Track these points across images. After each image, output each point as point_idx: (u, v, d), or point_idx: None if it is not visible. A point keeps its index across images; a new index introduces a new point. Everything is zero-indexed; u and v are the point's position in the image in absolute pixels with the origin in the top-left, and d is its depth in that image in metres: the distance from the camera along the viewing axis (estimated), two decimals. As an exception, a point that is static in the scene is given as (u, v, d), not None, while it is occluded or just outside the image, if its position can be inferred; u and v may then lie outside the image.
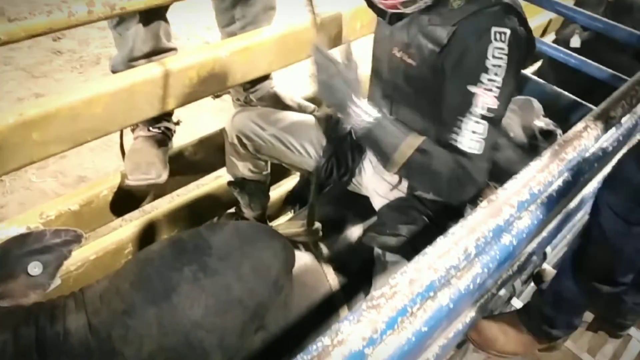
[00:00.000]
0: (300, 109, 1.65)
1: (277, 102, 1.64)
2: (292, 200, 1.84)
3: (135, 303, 0.86)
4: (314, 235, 1.26)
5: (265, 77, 1.63)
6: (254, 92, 1.64)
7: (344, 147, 1.41)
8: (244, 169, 1.52)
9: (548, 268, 1.54)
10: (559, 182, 0.90)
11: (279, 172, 1.81)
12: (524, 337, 1.29)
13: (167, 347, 0.83)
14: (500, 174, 1.01)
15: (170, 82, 1.25)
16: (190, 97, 1.34)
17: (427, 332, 0.70)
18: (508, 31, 0.97)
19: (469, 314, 1.14)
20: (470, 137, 0.99)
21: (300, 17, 1.40)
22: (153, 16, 1.35)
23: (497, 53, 0.96)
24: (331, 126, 1.42)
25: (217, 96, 1.72)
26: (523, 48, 1.01)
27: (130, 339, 0.84)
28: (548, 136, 1.60)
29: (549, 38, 2.39)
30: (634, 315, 1.45)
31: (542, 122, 1.72)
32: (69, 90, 1.14)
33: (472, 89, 0.98)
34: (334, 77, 1.02)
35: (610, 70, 1.77)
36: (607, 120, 0.88)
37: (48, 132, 1.09)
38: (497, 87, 0.98)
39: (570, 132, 0.85)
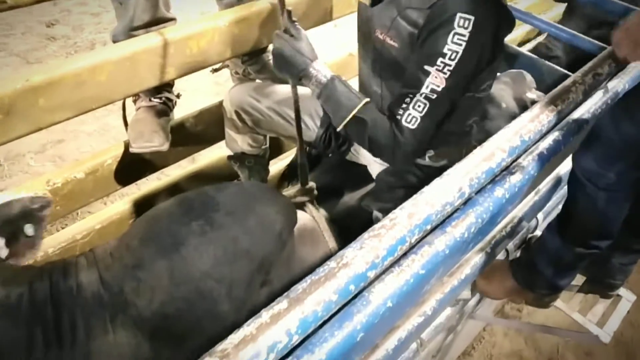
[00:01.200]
0: (298, 82, 1.67)
1: (275, 75, 1.66)
2: (291, 173, 1.87)
3: (145, 257, 0.89)
4: (309, 194, 1.29)
5: (264, 50, 1.64)
6: (252, 64, 1.66)
7: (341, 117, 1.44)
8: (243, 143, 1.54)
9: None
10: (549, 140, 0.94)
11: (278, 146, 1.85)
12: (509, 284, 1.33)
13: (178, 297, 0.86)
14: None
15: (171, 51, 1.28)
16: (190, 67, 1.36)
17: (424, 275, 0.74)
18: (473, 18, 1.00)
19: (465, 272, 1.19)
20: (411, 112, 1.07)
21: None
22: (152, -14, 1.36)
23: (456, 39, 1.01)
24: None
25: (216, 70, 1.73)
26: (490, 31, 1.04)
27: (142, 290, 0.87)
28: (540, 107, 1.64)
29: (546, 16, 2.42)
30: (623, 275, 1.50)
31: (533, 95, 1.76)
32: (73, 58, 1.15)
33: (427, 68, 1.04)
34: (284, 47, 1.13)
35: (601, 44, 1.80)
36: (594, 77, 0.92)
37: (54, 98, 1.11)
38: (449, 70, 1.03)
39: (560, 87, 0.90)
